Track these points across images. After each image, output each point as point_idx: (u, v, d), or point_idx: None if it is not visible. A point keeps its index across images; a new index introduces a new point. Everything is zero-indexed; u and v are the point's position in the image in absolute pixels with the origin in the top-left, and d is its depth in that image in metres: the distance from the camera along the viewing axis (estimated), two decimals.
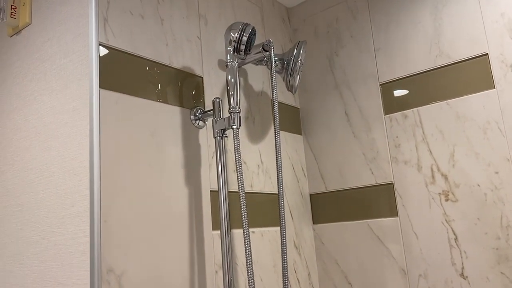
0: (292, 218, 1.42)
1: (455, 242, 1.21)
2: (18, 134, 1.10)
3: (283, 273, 1.11)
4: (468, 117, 1.23)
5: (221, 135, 1.09)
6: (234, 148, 1.04)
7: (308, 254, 1.45)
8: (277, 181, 1.17)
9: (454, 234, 1.22)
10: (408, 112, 1.33)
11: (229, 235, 1.07)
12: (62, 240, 0.93)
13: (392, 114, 1.36)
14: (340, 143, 1.46)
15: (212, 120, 1.10)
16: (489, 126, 1.19)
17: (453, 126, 1.25)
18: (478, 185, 1.19)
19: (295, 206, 1.44)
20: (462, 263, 1.20)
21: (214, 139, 1.11)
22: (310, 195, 1.51)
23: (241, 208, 1.01)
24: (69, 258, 0.90)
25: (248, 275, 1.01)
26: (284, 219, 1.14)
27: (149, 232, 0.97)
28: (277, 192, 1.38)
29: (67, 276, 0.90)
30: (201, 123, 1.14)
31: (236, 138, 1.05)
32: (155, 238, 0.98)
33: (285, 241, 1.12)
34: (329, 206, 1.46)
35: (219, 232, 1.13)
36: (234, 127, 1.05)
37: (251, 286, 1.10)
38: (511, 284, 1.12)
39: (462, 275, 1.19)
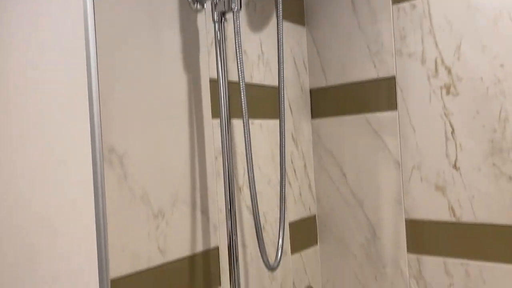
0: (291, 111, 1.43)
1: (452, 135, 1.23)
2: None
3: (280, 163, 1.14)
4: (480, 6, 1.17)
5: (220, 19, 1.04)
6: (234, 32, 1.00)
7: (305, 146, 1.48)
8: (278, 73, 1.15)
9: (452, 127, 1.23)
10: (417, 1, 1.27)
11: (229, 123, 1.07)
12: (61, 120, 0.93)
13: (400, 4, 1.30)
14: (344, 35, 1.41)
15: (211, 2, 1.05)
16: (501, 16, 1.14)
17: (463, 17, 1.20)
18: (481, 78, 1.18)
19: (294, 100, 1.44)
20: (456, 155, 1.22)
21: (213, 24, 1.07)
22: (310, 90, 1.50)
23: (241, 96, 1.01)
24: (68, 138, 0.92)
25: (247, 163, 1.03)
26: (283, 112, 1.14)
27: (148, 116, 0.97)
28: (277, 85, 1.36)
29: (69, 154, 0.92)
30: (199, 6, 1.09)
31: (237, 22, 1.00)
32: (154, 122, 0.98)
33: (284, 134, 1.13)
34: (328, 101, 1.46)
35: (218, 120, 1.13)
36: (235, 9, 1.00)
37: (250, 173, 1.13)
38: (502, 175, 1.16)
39: (454, 166, 1.23)
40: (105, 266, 0.87)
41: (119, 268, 0.89)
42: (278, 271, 1.33)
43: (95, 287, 0.88)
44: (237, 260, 1.05)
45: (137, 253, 0.93)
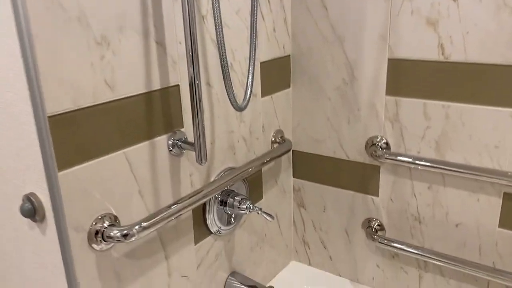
0: None
1: None
2: None
3: None
4: None
5: None
6: None
7: None
8: None
9: None
10: None
11: None
12: None
13: None
14: None
15: None
16: None
17: None
18: None
19: None
20: None
21: None
22: None
23: None
24: None
25: None
26: None
27: None
28: None
29: None
30: None
31: None
32: None
33: None
34: None
35: None
36: None
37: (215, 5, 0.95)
38: (505, 6, 1.01)
39: None
40: (39, 99, 0.73)
41: (58, 103, 0.76)
42: (247, 113, 1.23)
43: (31, 123, 0.75)
44: (200, 100, 0.93)
45: (80, 86, 0.79)
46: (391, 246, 1.31)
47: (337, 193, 1.41)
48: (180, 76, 1.00)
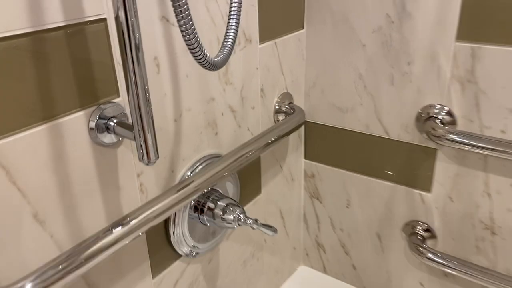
0: None
1: None
2: None
3: None
4: None
5: None
6: None
7: None
8: None
9: None
10: None
11: None
12: None
13: None
14: None
15: None
16: None
17: None
18: None
19: None
20: None
21: None
22: None
23: None
24: None
25: None
26: None
27: None
28: None
29: None
30: None
31: None
32: None
33: None
34: None
35: None
36: None
37: None
38: None
39: None
40: None
41: None
42: (236, 69, 0.78)
43: None
44: (136, 44, 0.48)
45: None
46: (444, 265, 0.91)
47: (368, 183, 0.99)
48: (108, 3, 0.54)
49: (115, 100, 0.58)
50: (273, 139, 0.82)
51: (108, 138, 0.58)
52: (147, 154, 0.54)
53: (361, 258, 1.08)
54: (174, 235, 0.74)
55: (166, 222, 0.73)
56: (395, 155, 0.93)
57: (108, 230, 0.56)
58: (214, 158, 0.77)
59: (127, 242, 0.57)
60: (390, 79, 0.88)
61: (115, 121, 0.58)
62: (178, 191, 0.65)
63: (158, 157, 0.55)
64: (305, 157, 1.06)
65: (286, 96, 0.93)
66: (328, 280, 1.15)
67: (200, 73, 0.70)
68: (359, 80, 0.91)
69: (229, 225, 0.76)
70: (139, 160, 0.54)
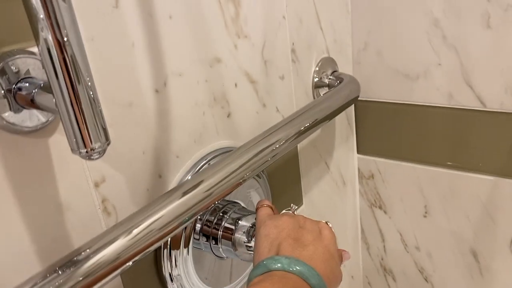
0: None
1: None
2: None
3: None
4: None
5: None
6: None
7: None
8: None
9: None
10: None
11: None
12: None
13: None
14: None
15: None
16: None
17: None
18: None
19: None
20: None
21: None
22: None
23: None
24: None
25: None
26: None
27: None
28: None
29: None
30: None
31: None
32: None
33: None
34: None
35: None
36: None
37: None
38: None
39: None
40: None
41: None
42: (253, 19, 0.51)
43: None
44: None
45: None
46: None
47: (456, 180, 0.69)
48: None
49: (30, 49, 0.32)
50: (312, 122, 0.54)
51: (26, 117, 0.32)
52: (80, 134, 0.27)
53: (448, 284, 0.77)
54: (172, 279, 0.47)
55: (156, 257, 0.46)
56: (496, 134, 0.63)
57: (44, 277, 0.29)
58: (229, 151, 0.49)
59: None
60: (484, 20, 0.59)
61: (34, 84, 0.31)
62: (184, 194, 0.38)
63: (108, 141, 0.29)
64: (359, 151, 0.78)
65: (328, 63, 0.65)
66: None
67: (193, 14, 0.44)
68: (434, 29, 0.62)
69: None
70: (71, 148, 0.28)
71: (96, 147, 0.28)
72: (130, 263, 0.33)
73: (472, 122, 0.64)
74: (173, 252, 0.46)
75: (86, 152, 0.28)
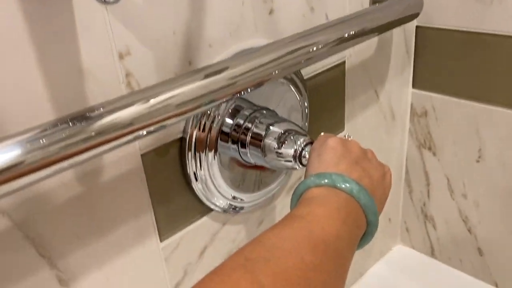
0: None
1: None
2: None
3: None
4: None
5: None
6: None
7: None
8: None
9: None
10: None
11: None
12: None
13: None
14: None
15: None
16: None
17: None
18: None
19: None
20: None
21: None
22: None
23: None
24: None
25: None
26: None
27: None
28: None
29: None
30: None
31: None
32: None
33: None
34: None
35: None
36: None
37: None
38: None
39: None
40: None
41: None
42: None
43: None
44: None
45: None
46: None
47: None
48: None
49: None
50: (359, 31, 0.48)
51: None
52: None
53: (493, 238, 0.72)
54: (197, 178, 0.46)
55: (182, 155, 0.45)
56: None
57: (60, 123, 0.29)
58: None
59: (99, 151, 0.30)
60: None
61: None
62: (206, 77, 0.36)
63: None
64: (414, 86, 0.72)
65: None
66: (438, 267, 0.81)
67: None
68: None
69: (289, 164, 0.45)
70: None
71: None
72: (144, 132, 0.32)
73: None
74: (197, 154, 0.45)
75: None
